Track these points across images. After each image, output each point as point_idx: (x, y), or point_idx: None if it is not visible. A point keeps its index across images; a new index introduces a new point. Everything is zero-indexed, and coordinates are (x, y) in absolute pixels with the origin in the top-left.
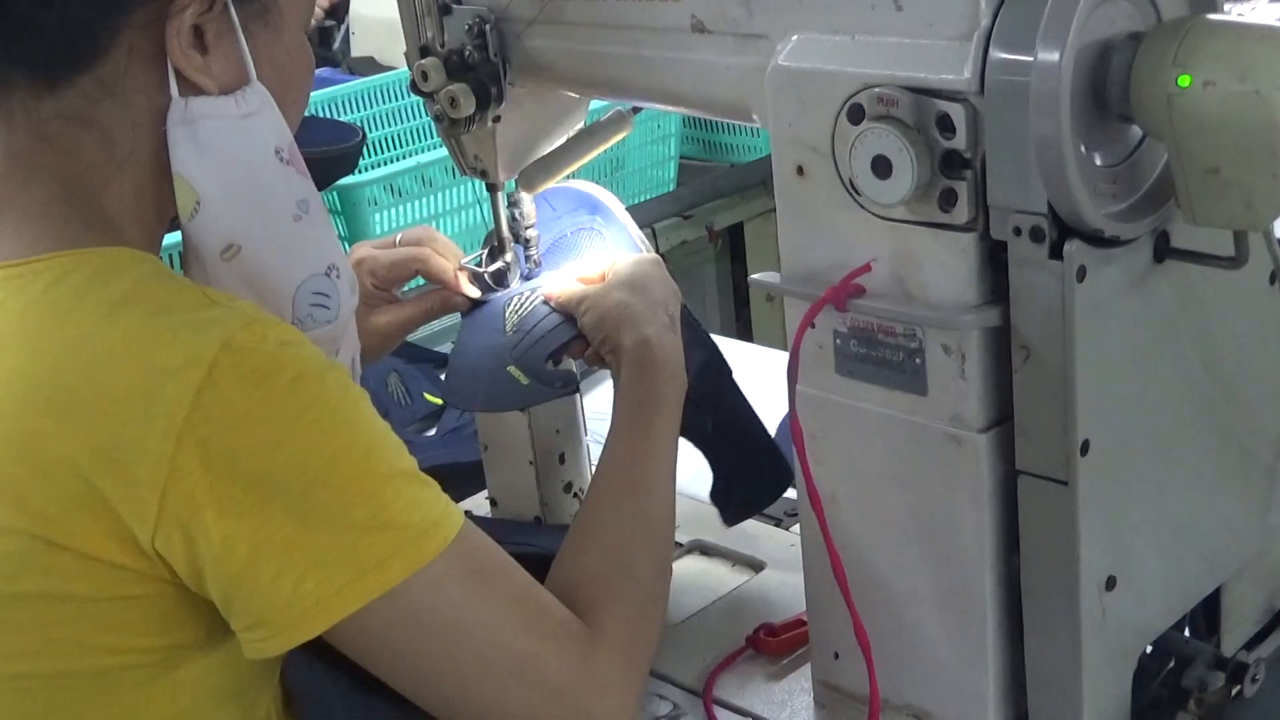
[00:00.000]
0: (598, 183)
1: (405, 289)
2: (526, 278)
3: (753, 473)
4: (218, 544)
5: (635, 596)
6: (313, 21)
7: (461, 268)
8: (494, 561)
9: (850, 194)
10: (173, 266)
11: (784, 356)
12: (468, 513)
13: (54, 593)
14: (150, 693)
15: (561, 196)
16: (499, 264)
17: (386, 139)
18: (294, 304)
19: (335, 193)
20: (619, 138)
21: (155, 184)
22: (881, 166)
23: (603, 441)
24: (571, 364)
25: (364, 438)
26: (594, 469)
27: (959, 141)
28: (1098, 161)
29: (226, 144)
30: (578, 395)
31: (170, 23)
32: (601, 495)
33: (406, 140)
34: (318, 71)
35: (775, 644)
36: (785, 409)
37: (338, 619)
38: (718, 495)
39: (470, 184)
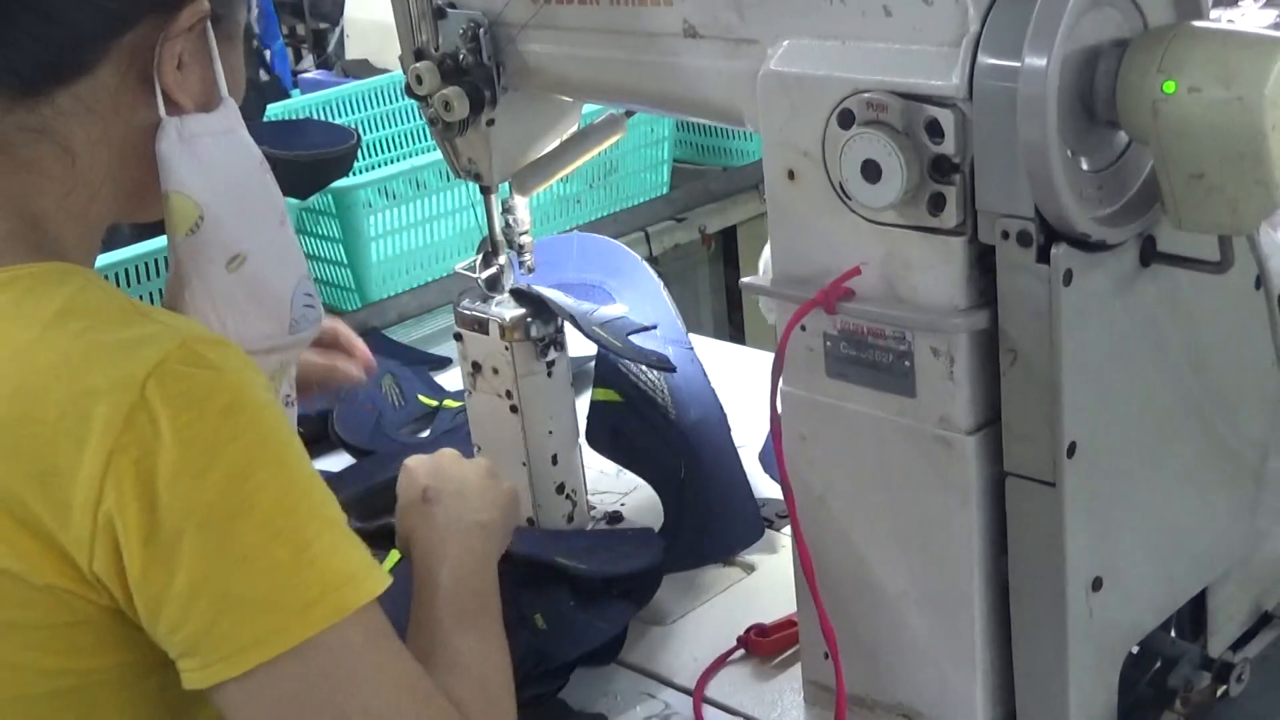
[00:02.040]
0: (591, 186)
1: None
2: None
3: (715, 526)
4: (139, 570)
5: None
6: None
7: (458, 272)
8: (397, 641)
9: (840, 198)
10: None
11: None
12: None
13: (7, 621)
14: (108, 709)
15: (592, 248)
16: (493, 269)
17: (380, 142)
18: (291, 306)
19: (329, 195)
20: (612, 141)
21: (110, 198)
22: (871, 171)
23: None
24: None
25: (291, 475)
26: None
27: (948, 146)
28: (1084, 166)
29: (222, 158)
30: (570, 395)
31: (166, 45)
32: (452, 633)
33: (400, 143)
34: (313, 74)
35: (766, 644)
36: None
37: (257, 662)
38: (666, 536)
39: (464, 187)
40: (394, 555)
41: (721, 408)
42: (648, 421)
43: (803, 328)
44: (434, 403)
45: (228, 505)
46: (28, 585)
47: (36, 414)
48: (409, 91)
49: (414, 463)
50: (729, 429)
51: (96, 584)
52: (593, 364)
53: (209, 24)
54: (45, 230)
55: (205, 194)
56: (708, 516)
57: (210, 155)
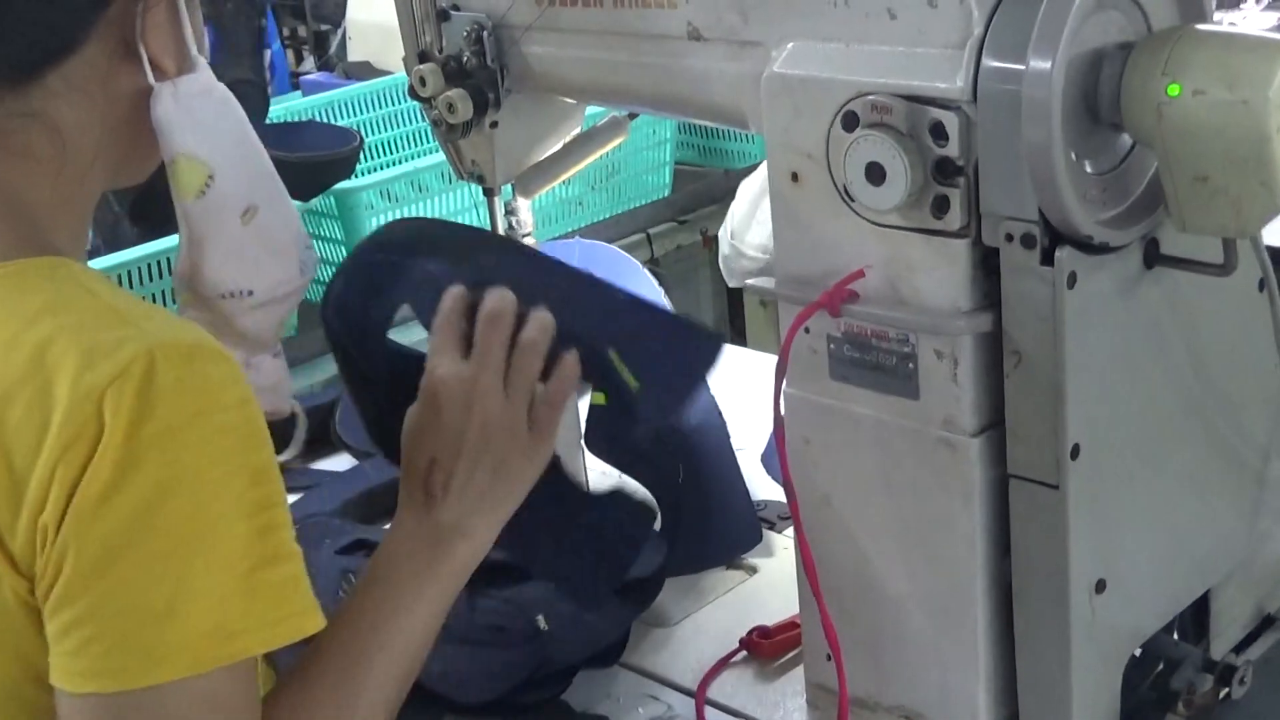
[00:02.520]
0: (593, 188)
1: None
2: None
3: (712, 532)
4: (39, 574)
5: None
6: None
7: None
8: (249, 706)
9: (844, 200)
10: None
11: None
12: None
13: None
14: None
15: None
16: None
17: (382, 144)
18: (299, 250)
19: (332, 197)
20: (615, 143)
21: (101, 173)
22: (875, 173)
23: None
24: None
25: (206, 517)
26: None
27: (952, 149)
28: (1088, 169)
29: (216, 115)
30: (574, 398)
31: (149, 13)
32: (350, 667)
33: (403, 145)
34: (314, 75)
35: (768, 646)
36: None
37: (94, 690)
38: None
39: (467, 189)
40: None
41: (720, 413)
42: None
43: (806, 330)
44: None
45: (123, 534)
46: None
47: (6, 416)
48: (412, 94)
49: (445, 392)
50: (728, 434)
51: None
52: None
53: None
54: (35, 221)
55: (211, 153)
56: (706, 521)
57: (206, 114)
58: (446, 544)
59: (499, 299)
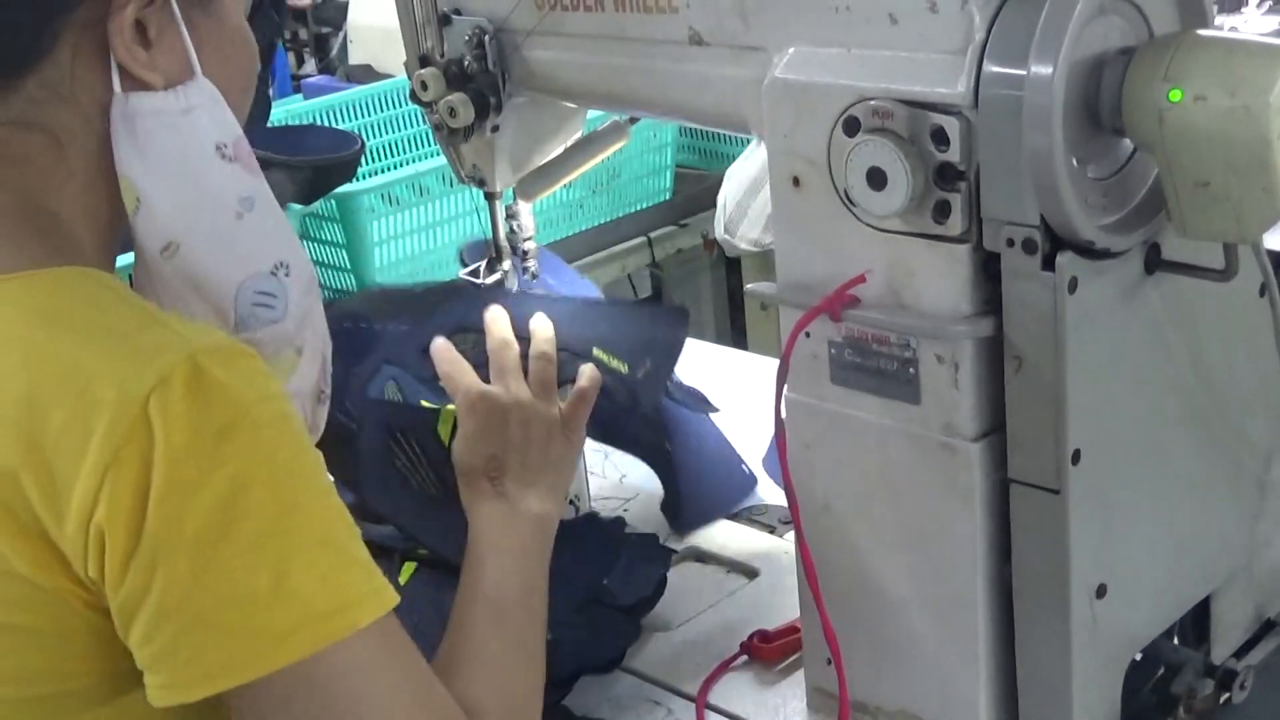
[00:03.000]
0: (594, 191)
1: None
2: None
3: (707, 486)
4: (117, 584)
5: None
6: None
7: (462, 278)
8: (406, 656)
9: (845, 205)
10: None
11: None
12: None
13: (10, 624)
14: (95, 717)
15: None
16: (497, 274)
17: (384, 147)
18: (235, 303)
19: (333, 201)
20: (616, 147)
21: (106, 185)
22: (876, 178)
23: (597, 449)
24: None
25: (288, 499)
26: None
27: (953, 154)
28: (1090, 174)
29: (164, 140)
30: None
31: (113, 19)
32: (482, 628)
33: (404, 148)
34: (315, 79)
35: (769, 650)
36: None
37: (223, 688)
38: (667, 508)
39: (468, 192)
40: (409, 567)
41: (684, 384)
42: (619, 407)
43: (807, 335)
44: (436, 407)
45: (213, 529)
46: (30, 585)
47: (43, 422)
48: (414, 98)
49: (483, 405)
50: (699, 398)
51: (92, 587)
52: None
53: None
54: (63, 231)
55: (141, 176)
56: (701, 478)
57: (150, 137)
58: (521, 517)
59: (500, 332)
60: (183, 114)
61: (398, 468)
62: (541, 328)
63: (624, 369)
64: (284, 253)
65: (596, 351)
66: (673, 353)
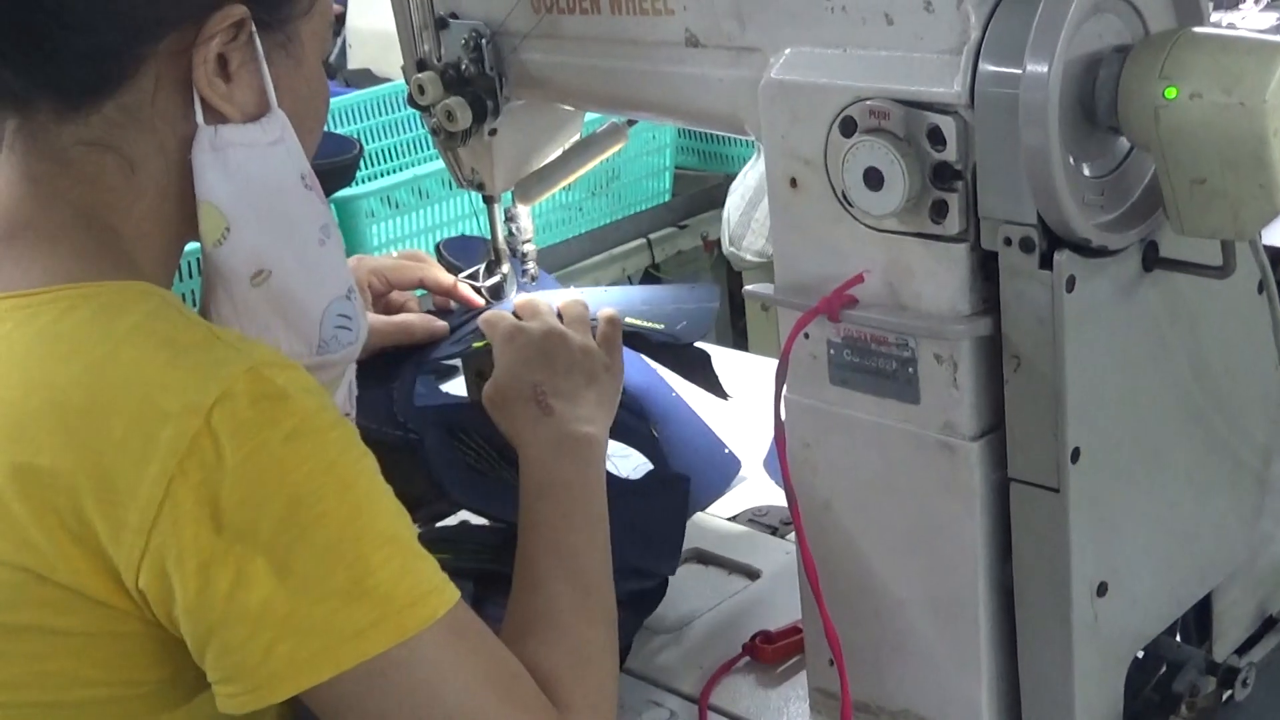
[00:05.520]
0: (593, 193)
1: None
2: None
3: (697, 469)
4: (194, 595)
5: (596, 678)
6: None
7: (460, 281)
8: (479, 639)
9: (843, 205)
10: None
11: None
12: (464, 523)
13: (46, 626)
14: None
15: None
16: (496, 277)
17: (382, 151)
18: (320, 327)
19: (333, 205)
20: (614, 150)
21: (175, 210)
22: (873, 178)
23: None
24: None
25: (357, 500)
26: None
27: (950, 153)
28: (1086, 172)
29: (255, 170)
30: None
31: (197, 51)
32: (550, 578)
33: (402, 152)
34: None
35: (771, 651)
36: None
37: (308, 685)
38: None
39: (467, 196)
40: None
41: (655, 372)
42: (661, 341)
43: (806, 335)
44: (480, 344)
45: (289, 533)
46: (73, 593)
47: (104, 432)
48: (411, 102)
49: (521, 335)
50: (669, 387)
51: (141, 599)
52: None
53: (256, 33)
54: (124, 249)
55: (233, 205)
56: (690, 460)
57: (242, 166)
58: (571, 439)
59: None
60: (269, 145)
61: (470, 464)
62: (571, 296)
63: (658, 326)
64: (350, 278)
65: (630, 320)
66: (704, 319)
